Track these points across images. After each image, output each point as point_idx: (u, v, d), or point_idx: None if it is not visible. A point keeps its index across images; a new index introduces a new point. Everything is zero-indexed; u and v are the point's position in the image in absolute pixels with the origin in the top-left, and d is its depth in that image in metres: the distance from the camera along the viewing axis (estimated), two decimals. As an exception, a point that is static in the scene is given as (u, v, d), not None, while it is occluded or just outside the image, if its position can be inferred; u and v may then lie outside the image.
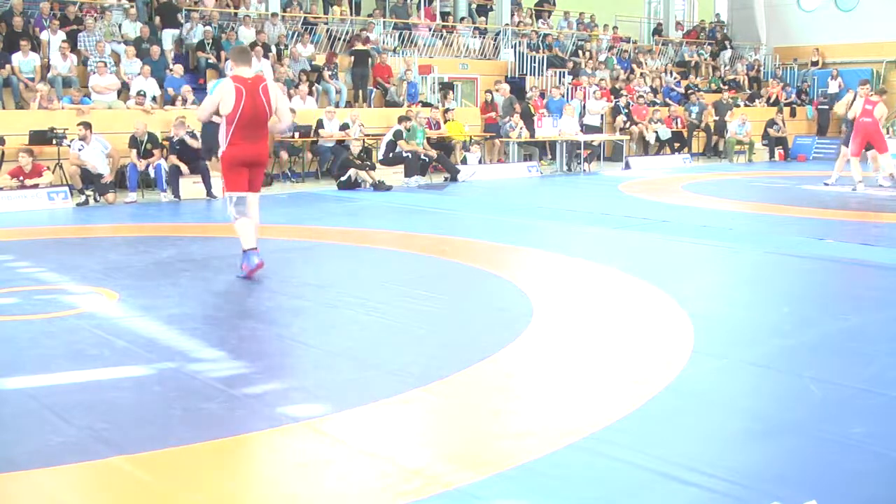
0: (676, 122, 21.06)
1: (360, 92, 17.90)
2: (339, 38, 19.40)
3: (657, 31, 27.41)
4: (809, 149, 21.60)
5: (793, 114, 24.19)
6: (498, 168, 17.14)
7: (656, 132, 20.37)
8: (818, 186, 14.07)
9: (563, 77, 21.21)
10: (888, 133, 21.26)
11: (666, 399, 4.11)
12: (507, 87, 19.40)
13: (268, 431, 3.72)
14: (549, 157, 19.02)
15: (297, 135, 15.30)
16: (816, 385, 4.31)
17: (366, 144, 16.00)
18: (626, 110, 20.54)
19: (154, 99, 14.92)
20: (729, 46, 26.90)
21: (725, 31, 28.85)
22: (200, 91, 16.10)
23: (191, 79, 16.34)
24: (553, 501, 3.10)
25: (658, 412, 3.95)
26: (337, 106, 16.91)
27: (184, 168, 12.76)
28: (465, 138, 17.46)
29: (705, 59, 26.32)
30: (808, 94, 25.72)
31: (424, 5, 22.32)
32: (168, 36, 16.97)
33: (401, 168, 14.98)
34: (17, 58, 14.27)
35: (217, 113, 7.11)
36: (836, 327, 5.49)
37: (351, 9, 20.85)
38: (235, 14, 18.51)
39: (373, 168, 14.48)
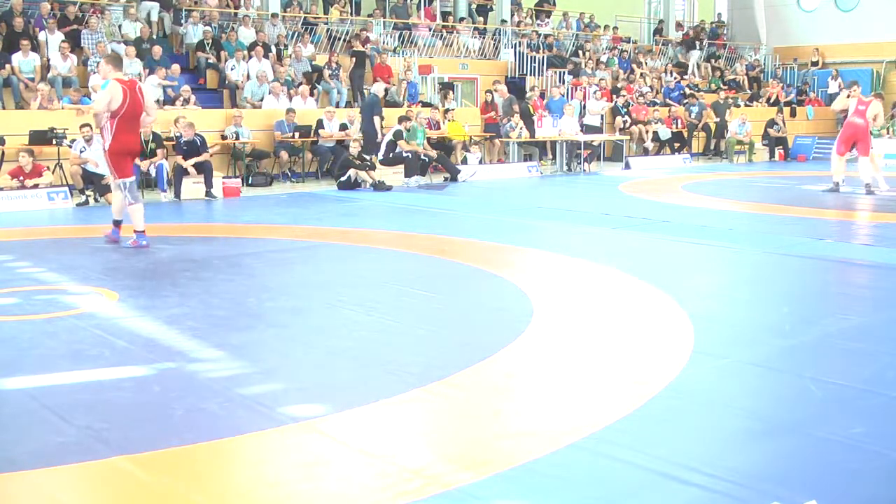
0: (676, 123, 21.06)
1: (358, 93, 17.91)
2: (339, 39, 19.41)
3: (657, 31, 27.42)
4: (809, 149, 21.61)
5: (793, 114, 24.20)
6: (498, 168, 17.15)
7: (656, 132, 20.37)
8: (818, 186, 14.06)
9: (564, 77, 21.22)
10: (888, 133, 21.29)
11: (666, 399, 4.11)
12: (504, 87, 19.39)
13: (268, 431, 3.72)
14: (550, 157, 19.02)
15: (297, 135, 15.31)
16: (816, 385, 4.31)
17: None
18: (626, 110, 20.54)
19: (158, 101, 14.94)
20: (699, 48, 26.56)
21: (724, 30, 28.85)
22: (200, 91, 16.14)
23: (191, 79, 16.36)
24: (553, 501, 3.10)
25: (658, 412, 3.95)
26: (337, 106, 16.92)
27: (189, 167, 12.79)
28: (466, 138, 17.46)
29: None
30: (806, 93, 25.73)
31: (424, 5, 22.33)
32: (145, 9, 17.03)
33: (401, 168, 14.98)
34: (17, 58, 14.28)
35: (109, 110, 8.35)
36: (836, 327, 5.49)
37: (351, 9, 20.85)
38: (235, 14, 18.52)
39: (373, 168, 14.48)
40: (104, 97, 8.36)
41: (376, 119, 15.32)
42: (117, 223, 8.83)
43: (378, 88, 16.19)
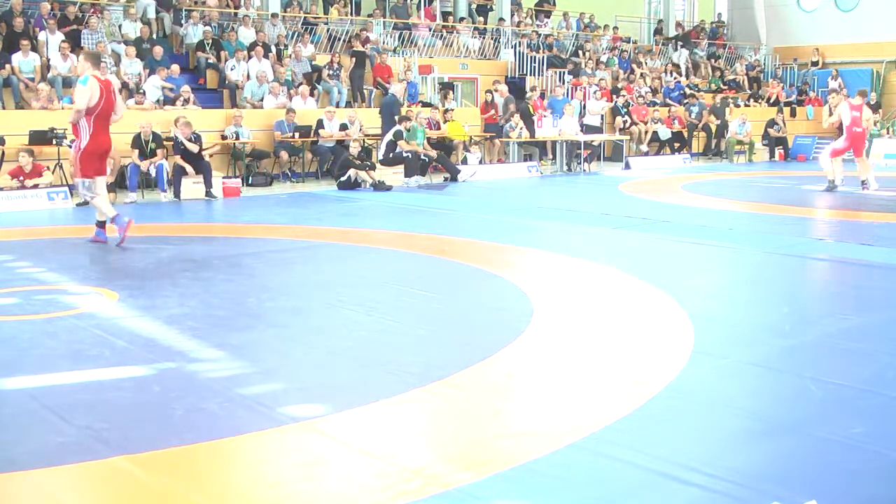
0: (675, 123, 21.05)
1: (357, 93, 17.91)
2: (339, 39, 19.41)
3: (657, 31, 27.41)
4: (809, 149, 21.58)
5: (793, 114, 24.19)
6: (498, 168, 17.14)
7: (656, 132, 20.38)
8: (818, 186, 14.04)
9: (564, 77, 21.22)
10: (888, 133, 21.30)
11: (666, 399, 4.11)
12: (504, 87, 19.38)
13: (268, 431, 3.72)
14: (550, 157, 19.02)
15: (297, 135, 15.31)
16: (816, 385, 4.31)
17: (366, 144, 16.01)
18: (626, 110, 20.54)
19: (158, 101, 14.95)
20: (685, 47, 26.47)
21: (724, 30, 28.83)
22: (200, 91, 16.14)
23: (191, 79, 16.36)
24: (553, 501, 3.10)
25: (658, 412, 3.95)
26: (337, 106, 16.93)
27: (188, 168, 12.78)
28: (466, 138, 17.46)
29: (699, 57, 26.22)
30: (806, 93, 25.73)
31: (424, 5, 22.33)
32: (141, 6, 17.12)
33: (401, 168, 14.98)
34: (17, 58, 14.27)
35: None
36: (836, 327, 5.49)
37: (351, 9, 20.85)
38: (235, 14, 18.52)
39: (373, 168, 14.48)
40: (85, 93, 8.33)
41: (397, 119, 15.50)
42: (101, 224, 8.78)
43: (397, 89, 16.39)
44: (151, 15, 17.25)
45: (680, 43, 26.30)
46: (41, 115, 13.38)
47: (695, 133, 21.29)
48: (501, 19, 22.95)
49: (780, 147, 21.08)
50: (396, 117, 15.52)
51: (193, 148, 12.81)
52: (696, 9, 31.27)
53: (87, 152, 8.53)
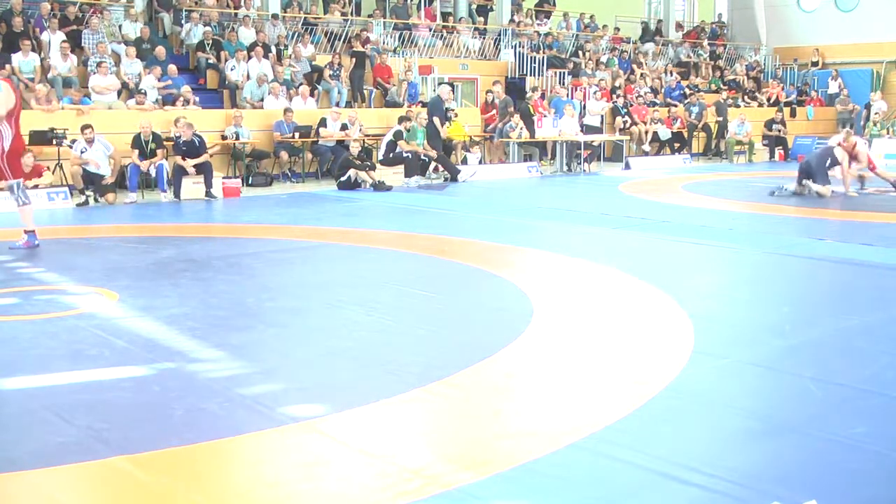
0: (675, 122, 21.03)
1: (358, 93, 17.92)
2: (340, 39, 19.41)
3: (657, 31, 27.40)
4: (809, 149, 21.49)
5: (793, 114, 24.19)
6: (498, 168, 17.14)
7: (656, 132, 20.38)
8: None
9: (564, 77, 21.22)
10: (888, 133, 21.30)
11: (666, 399, 4.11)
12: (500, 89, 19.35)
13: (268, 431, 3.72)
14: (550, 157, 19.02)
15: (297, 135, 15.31)
16: (816, 385, 4.31)
17: (366, 145, 16.01)
18: (626, 110, 20.53)
19: (157, 101, 14.95)
20: (649, 40, 26.23)
21: (724, 30, 28.85)
22: (200, 91, 16.14)
23: (191, 79, 16.36)
24: (553, 501, 3.10)
25: (658, 412, 3.95)
26: (337, 105, 16.93)
27: (189, 168, 12.77)
28: (466, 138, 17.46)
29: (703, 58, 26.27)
30: (806, 93, 25.74)
31: (424, 5, 22.33)
32: (139, 2, 17.17)
33: (401, 168, 14.98)
34: (17, 58, 14.26)
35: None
36: (836, 327, 5.49)
37: (351, 9, 20.85)
38: (235, 14, 18.52)
39: (373, 168, 14.48)
40: (6, 98, 8.24)
41: (436, 119, 15.74)
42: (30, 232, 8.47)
43: (443, 90, 16.66)
44: (141, 8, 17.24)
45: (648, 35, 26.31)
46: (41, 115, 13.37)
47: (695, 133, 21.28)
48: (511, 20, 22.92)
49: (780, 147, 21.08)
50: (435, 118, 15.73)
51: (203, 158, 12.84)
52: (696, 9, 31.27)
53: (11, 154, 8.48)
